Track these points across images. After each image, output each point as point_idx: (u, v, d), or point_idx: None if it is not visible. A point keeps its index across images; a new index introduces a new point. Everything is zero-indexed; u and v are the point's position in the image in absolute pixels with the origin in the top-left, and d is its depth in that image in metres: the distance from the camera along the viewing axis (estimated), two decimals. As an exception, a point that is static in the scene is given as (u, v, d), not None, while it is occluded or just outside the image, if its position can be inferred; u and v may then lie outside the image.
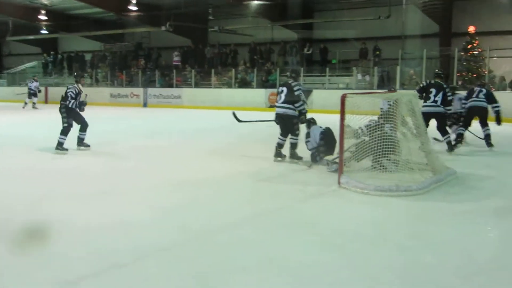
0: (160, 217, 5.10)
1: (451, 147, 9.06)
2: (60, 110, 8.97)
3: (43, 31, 29.27)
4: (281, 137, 8.02)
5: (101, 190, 6.21)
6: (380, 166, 6.72)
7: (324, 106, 17.74)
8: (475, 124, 9.86)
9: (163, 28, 22.93)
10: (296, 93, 7.88)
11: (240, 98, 20.48)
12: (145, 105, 23.68)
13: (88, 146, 9.22)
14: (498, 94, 15.25)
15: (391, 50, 19.66)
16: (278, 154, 8.05)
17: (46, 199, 5.82)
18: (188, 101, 22.47)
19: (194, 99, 22.34)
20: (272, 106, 8.26)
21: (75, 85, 9.10)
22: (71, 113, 8.91)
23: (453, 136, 9.45)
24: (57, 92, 24.76)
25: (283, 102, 7.83)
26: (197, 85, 23.49)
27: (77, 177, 7.15)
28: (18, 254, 4.01)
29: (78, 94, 8.96)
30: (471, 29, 17.97)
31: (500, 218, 5.14)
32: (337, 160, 6.71)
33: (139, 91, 24.17)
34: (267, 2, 21.77)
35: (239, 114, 9.78)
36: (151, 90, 23.93)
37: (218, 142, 10.60)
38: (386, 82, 19.03)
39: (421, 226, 4.84)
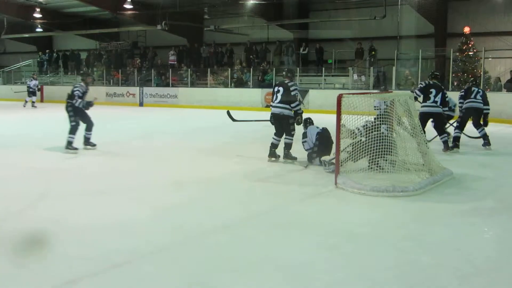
0: (156, 217, 5.10)
1: (447, 147, 9.12)
2: (66, 109, 8.94)
3: (38, 29, 29.13)
4: (275, 137, 8.00)
5: (98, 190, 6.21)
6: (377, 166, 6.75)
7: (320, 106, 17.80)
8: (467, 125, 9.87)
9: (158, 27, 22.85)
10: (292, 93, 7.87)
11: (236, 98, 20.48)
12: (141, 104, 23.63)
13: (95, 145, 9.21)
14: (494, 95, 15.39)
15: (386, 51, 19.71)
16: (272, 154, 8.04)
17: (44, 198, 5.81)
18: (184, 100, 22.44)
19: (190, 99, 22.31)
20: (268, 106, 8.24)
21: (82, 83, 9.07)
22: (78, 112, 8.88)
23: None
24: (52, 90, 24.79)
25: (279, 102, 7.81)
26: (193, 85, 23.46)
27: (74, 176, 7.14)
28: (16, 254, 4.00)
29: (84, 93, 8.92)
30: (466, 29, 18.02)
31: (497, 219, 5.16)
32: (334, 161, 6.71)
33: (135, 90, 24.11)
34: (262, 2, 21.75)
35: (235, 114, 9.84)
36: (147, 89, 23.86)
37: (214, 142, 10.59)
38: (382, 83, 19.09)
39: (417, 227, 4.85)
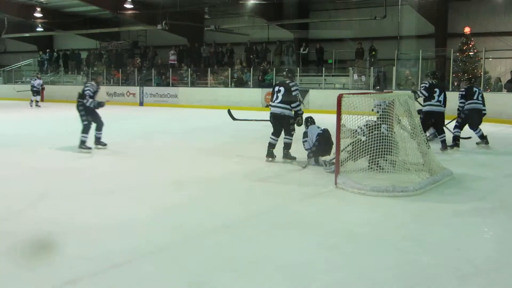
0: (157, 216, 5.10)
1: (445, 146, 9.13)
2: (77, 108, 8.93)
3: (39, 29, 29.15)
4: (273, 137, 7.99)
5: (97, 190, 6.21)
6: (377, 166, 6.75)
7: (320, 106, 17.79)
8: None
9: (159, 26, 22.84)
10: (293, 93, 7.87)
11: (236, 98, 20.47)
12: (141, 103, 23.63)
13: (105, 144, 9.21)
14: (494, 95, 15.41)
15: (387, 51, 19.69)
16: (270, 154, 8.03)
17: (44, 198, 5.82)
18: (184, 100, 22.43)
19: (190, 98, 22.30)
20: (268, 106, 8.23)
21: (93, 83, 9.07)
22: (89, 111, 8.88)
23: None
24: (53, 90, 24.77)
25: (280, 102, 7.80)
26: (193, 84, 23.45)
27: (74, 176, 7.14)
28: (17, 254, 4.00)
29: (95, 92, 8.92)
30: (467, 30, 18.02)
31: (497, 219, 5.16)
32: (334, 161, 6.70)
33: (135, 89, 24.11)
34: (263, 2, 21.76)
35: (235, 114, 9.83)
36: (147, 89, 23.86)
37: (214, 142, 10.59)
38: (382, 83, 19.08)
39: (417, 227, 4.86)
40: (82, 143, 8.85)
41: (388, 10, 19.48)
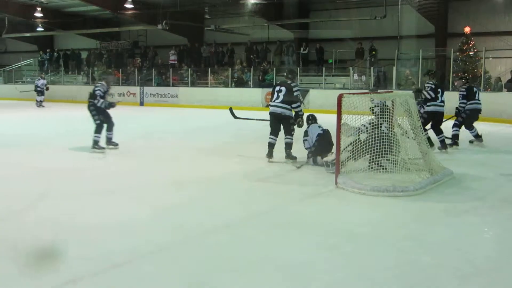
0: (157, 216, 5.10)
1: (444, 146, 9.14)
2: (88, 108, 8.91)
3: (39, 29, 29.17)
4: (272, 136, 7.98)
5: (97, 190, 6.21)
6: (379, 166, 6.75)
7: (320, 106, 17.78)
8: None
9: (159, 26, 22.85)
10: (295, 93, 7.88)
11: (236, 97, 20.46)
12: (141, 103, 23.63)
13: (117, 144, 9.20)
14: (494, 95, 15.41)
15: (387, 50, 19.69)
16: (271, 154, 8.04)
17: (44, 198, 5.81)
18: (184, 100, 22.44)
19: (190, 98, 22.30)
20: (268, 106, 8.22)
21: (103, 82, 9.05)
22: (100, 111, 8.86)
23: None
24: (53, 90, 24.72)
25: (281, 102, 7.80)
26: (193, 84, 23.46)
27: (74, 176, 7.14)
28: (17, 254, 4.00)
29: (106, 92, 8.90)
30: (467, 29, 18.02)
31: (497, 219, 5.15)
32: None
33: (135, 89, 24.11)
34: (263, 1, 21.76)
35: (236, 113, 9.83)
36: (147, 89, 23.86)
37: (215, 142, 10.59)
38: (382, 82, 19.10)
39: (418, 227, 4.85)
40: (95, 143, 8.84)
41: (388, 10, 19.48)
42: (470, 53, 17.64)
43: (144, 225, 4.78)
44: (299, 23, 23.29)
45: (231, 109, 9.58)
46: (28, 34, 29.75)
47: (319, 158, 7.68)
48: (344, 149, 6.68)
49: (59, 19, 28.02)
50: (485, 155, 9.23)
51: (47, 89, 21.72)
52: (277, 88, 7.95)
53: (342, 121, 6.53)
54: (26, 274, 3.61)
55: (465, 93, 9.73)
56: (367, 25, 20.57)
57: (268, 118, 8.07)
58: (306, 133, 7.94)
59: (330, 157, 7.55)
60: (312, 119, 8.09)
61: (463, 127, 9.82)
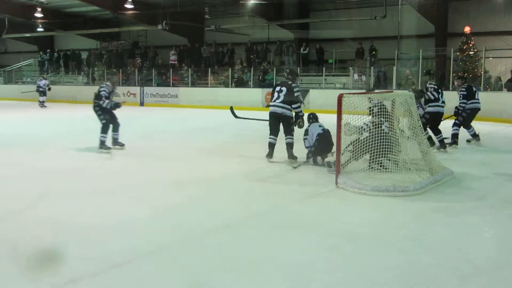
0: (157, 216, 5.10)
1: (443, 145, 9.14)
2: (94, 109, 8.90)
3: (39, 29, 29.18)
4: (273, 136, 7.97)
5: (97, 190, 6.21)
6: (380, 166, 6.74)
7: (321, 106, 17.77)
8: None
9: (159, 26, 22.86)
10: (295, 94, 7.88)
11: (236, 98, 20.44)
12: (142, 104, 23.63)
13: (123, 145, 9.18)
14: (494, 95, 15.40)
15: (387, 50, 19.69)
16: (271, 154, 8.03)
17: (44, 198, 5.81)
18: (185, 100, 22.44)
19: (191, 98, 22.30)
20: (268, 106, 8.23)
21: (108, 83, 9.04)
22: (105, 112, 8.85)
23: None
24: (53, 90, 24.70)
25: (282, 102, 7.80)
26: (193, 84, 23.47)
27: (74, 176, 7.14)
28: (17, 254, 4.00)
29: (111, 93, 8.89)
30: (467, 29, 18.03)
31: (497, 218, 5.15)
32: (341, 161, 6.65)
33: (135, 90, 24.11)
34: (263, 2, 21.76)
35: (236, 113, 9.82)
36: (147, 89, 23.87)
37: (215, 142, 10.59)
38: (382, 82, 19.10)
39: (418, 227, 4.85)
40: (102, 143, 8.83)
41: (388, 10, 19.48)
42: (470, 53, 17.66)
43: (144, 225, 4.78)
44: (299, 23, 23.30)
45: (232, 109, 9.57)
46: (28, 35, 29.77)
47: (319, 158, 7.68)
48: (345, 149, 6.68)
49: (59, 19, 28.03)
50: (485, 155, 9.22)
51: (49, 89, 21.70)
52: (278, 88, 7.95)
53: (345, 121, 6.54)
54: (26, 274, 3.61)
55: (465, 92, 9.74)
56: (367, 25, 20.58)
57: (268, 119, 8.07)
58: (306, 132, 7.94)
59: (332, 158, 7.53)
60: (313, 118, 8.09)
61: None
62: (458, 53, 17.85)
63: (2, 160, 8.45)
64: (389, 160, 6.71)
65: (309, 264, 3.82)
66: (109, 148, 8.88)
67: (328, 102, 16.00)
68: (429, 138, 8.60)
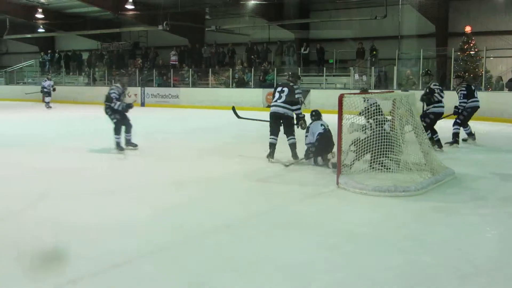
0: (157, 216, 5.09)
1: (440, 145, 9.15)
2: (105, 112, 8.89)
3: (40, 30, 29.21)
4: (273, 136, 7.97)
5: (97, 190, 6.21)
6: (381, 165, 6.73)
7: (321, 106, 17.72)
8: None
9: (160, 27, 22.86)
10: (296, 95, 7.90)
11: (237, 98, 20.43)
12: (142, 104, 23.62)
13: (136, 145, 9.17)
14: (495, 94, 15.39)
15: (387, 50, 19.68)
16: (272, 154, 8.02)
17: (44, 198, 5.82)
18: (185, 100, 22.44)
19: (191, 99, 22.31)
20: (269, 106, 8.24)
21: (118, 85, 9.01)
22: (117, 113, 8.84)
23: None
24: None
25: (284, 102, 7.80)
26: (194, 85, 23.48)
27: (75, 176, 7.14)
28: (17, 254, 4.00)
29: (121, 94, 8.87)
30: (468, 29, 18.01)
31: (498, 218, 5.14)
32: (345, 162, 6.64)
33: (136, 90, 24.11)
34: (263, 2, 21.77)
35: (238, 113, 9.82)
36: (148, 90, 23.87)
37: (215, 142, 10.59)
38: (383, 82, 19.08)
39: (418, 227, 4.84)
40: (117, 144, 8.83)
41: (388, 10, 19.46)
42: (471, 52, 17.65)
43: (144, 225, 4.78)
44: (300, 23, 23.30)
45: (234, 109, 9.57)
46: (29, 35, 29.81)
47: (319, 158, 7.67)
48: (348, 149, 6.67)
49: (60, 20, 28.07)
50: (486, 154, 9.21)
51: (54, 90, 21.65)
52: (279, 89, 7.97)
53: (350, 121, 6.53)
54: (26, 274, 3.61)
55: (465, 92, 9.79)
56: (368, 25, 20.57)
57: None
58: (308, 129, 7.92)
59: (335, 158, 7.51)
60: (315, 115, 8.06)
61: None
62: (459, 53, 17.84)
63: (2, 160, 8.46)
64: (391, 160, 6.70)
65: (309, 264, 3.81)
66: (123, 149, 8.87)
67: (329, 102, 15.98)
68: (430, 139, 8.59)
